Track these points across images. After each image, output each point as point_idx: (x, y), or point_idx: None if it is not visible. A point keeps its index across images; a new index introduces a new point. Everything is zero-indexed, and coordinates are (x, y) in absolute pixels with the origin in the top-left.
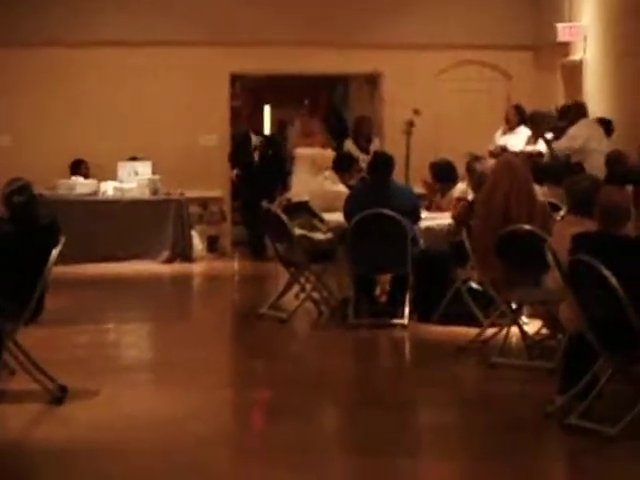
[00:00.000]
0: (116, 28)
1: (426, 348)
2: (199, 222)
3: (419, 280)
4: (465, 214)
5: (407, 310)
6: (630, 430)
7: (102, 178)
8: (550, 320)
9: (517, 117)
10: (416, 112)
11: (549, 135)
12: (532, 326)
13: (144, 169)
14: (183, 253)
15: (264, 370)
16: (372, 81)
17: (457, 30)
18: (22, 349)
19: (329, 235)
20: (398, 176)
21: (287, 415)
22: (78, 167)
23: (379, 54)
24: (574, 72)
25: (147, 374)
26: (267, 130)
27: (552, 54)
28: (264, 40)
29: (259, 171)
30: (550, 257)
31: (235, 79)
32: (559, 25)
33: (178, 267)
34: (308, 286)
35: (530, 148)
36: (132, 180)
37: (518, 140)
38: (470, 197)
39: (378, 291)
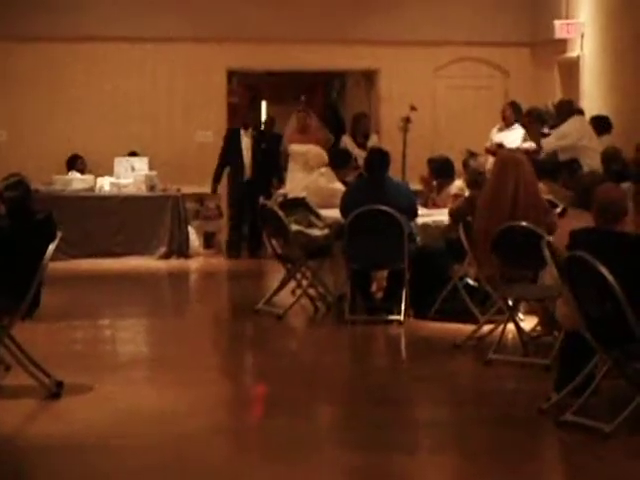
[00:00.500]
0: (113, 24)
1: (422, 344)
2: (196, 218)
3: (415, 276)
4: (464, 209)
5: (403, 306)
6: (626, 427)
7: (99, 174)
8: (546, 317)
9: (513, 114)
10: (413, 108)
11: (546, 131)
12: (528, 323)
13: (141, 165)
14: (180, 249)
15: (260, 366)
16: (369, 77)
17: (454, 27)
18: (18, 344)
19: (326, 231)
20: (395, 172)
21: (283, 410)
22: (74, 163)
23: (376, 50)
24: (571, 69)
25: (143, 369)
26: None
27: (550, 51)
28: (261, 36)
29: (251, 167)
30: (547, 253)
31: (232, 75)
32: (557, 22)
33: (175, 263)
34: (304, 282)
35: (527, 145)
36: (129, 176)
37: (514, 137)
38: (467, 194)
39: (374, 287)
